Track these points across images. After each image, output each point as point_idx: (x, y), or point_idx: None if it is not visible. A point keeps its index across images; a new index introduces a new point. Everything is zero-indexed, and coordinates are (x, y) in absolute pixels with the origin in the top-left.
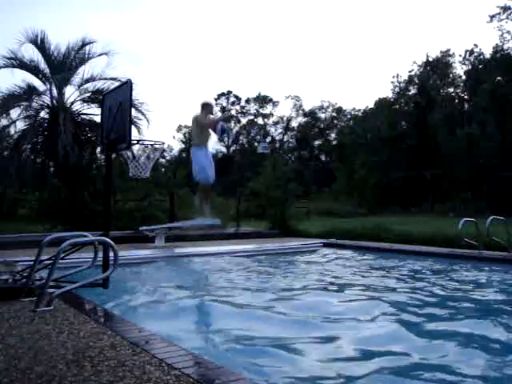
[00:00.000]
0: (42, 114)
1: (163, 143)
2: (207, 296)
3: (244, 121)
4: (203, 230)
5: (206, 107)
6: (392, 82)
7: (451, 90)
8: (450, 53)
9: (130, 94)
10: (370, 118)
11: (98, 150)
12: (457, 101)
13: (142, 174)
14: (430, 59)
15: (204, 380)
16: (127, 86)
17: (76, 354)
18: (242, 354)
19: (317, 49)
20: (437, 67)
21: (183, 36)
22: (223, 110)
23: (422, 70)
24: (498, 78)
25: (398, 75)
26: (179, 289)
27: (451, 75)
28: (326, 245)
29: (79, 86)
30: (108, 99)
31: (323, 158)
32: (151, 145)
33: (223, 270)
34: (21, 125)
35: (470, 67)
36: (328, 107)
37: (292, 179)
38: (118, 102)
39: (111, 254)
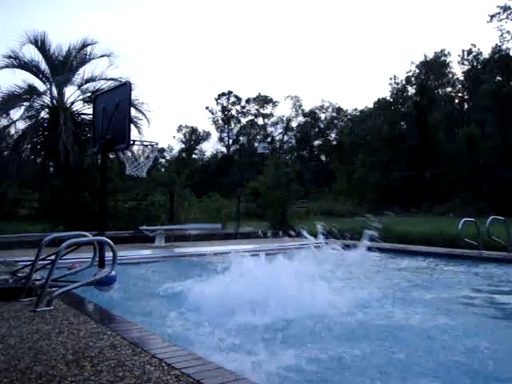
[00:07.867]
0: (42, 113)
1: (157, 144)
2: None
3: (244, 121)
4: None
5: None
6: (390, 84)
7: (449, 89)
8: (448, 52)
9: (130, 96)
10: (370, 118)
11: (95, 149)
12: (456, 101)
13: (139, 172)
14: (428, 59)
15: (204, 380)
16: (126, 87)
17: (76, 354)
18: None
19: (317, 49)
20: (434, 67)
21: (184, 36)
22: (223, 109)
23: (419, 70)
24: (498, 77)
25: (395, 76)
26: None
27: (450, 75)
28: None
29: (79, 86)
30: (102, 100)
31: (323, 158)
32: (147, 145)
33: None
34: (21, 125)
35: (468, 67)
36: (328, 107)
37: (293, 180)
38: (115, 103)
39: (110, 253)
